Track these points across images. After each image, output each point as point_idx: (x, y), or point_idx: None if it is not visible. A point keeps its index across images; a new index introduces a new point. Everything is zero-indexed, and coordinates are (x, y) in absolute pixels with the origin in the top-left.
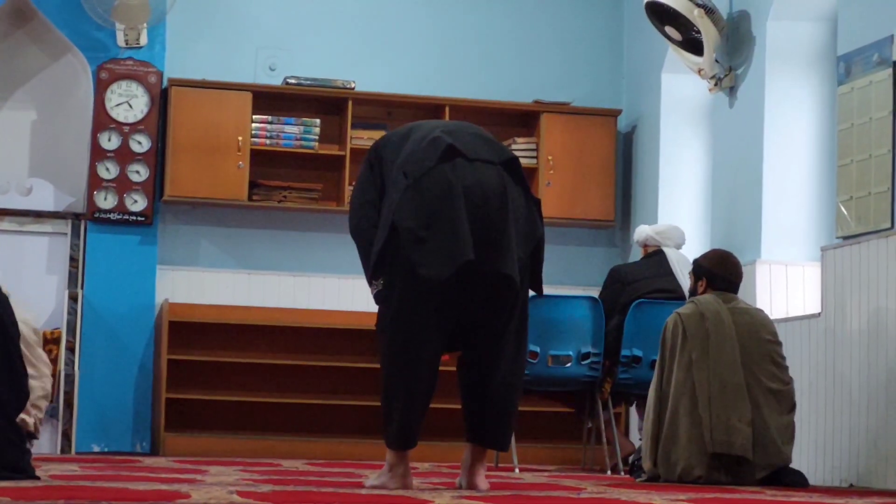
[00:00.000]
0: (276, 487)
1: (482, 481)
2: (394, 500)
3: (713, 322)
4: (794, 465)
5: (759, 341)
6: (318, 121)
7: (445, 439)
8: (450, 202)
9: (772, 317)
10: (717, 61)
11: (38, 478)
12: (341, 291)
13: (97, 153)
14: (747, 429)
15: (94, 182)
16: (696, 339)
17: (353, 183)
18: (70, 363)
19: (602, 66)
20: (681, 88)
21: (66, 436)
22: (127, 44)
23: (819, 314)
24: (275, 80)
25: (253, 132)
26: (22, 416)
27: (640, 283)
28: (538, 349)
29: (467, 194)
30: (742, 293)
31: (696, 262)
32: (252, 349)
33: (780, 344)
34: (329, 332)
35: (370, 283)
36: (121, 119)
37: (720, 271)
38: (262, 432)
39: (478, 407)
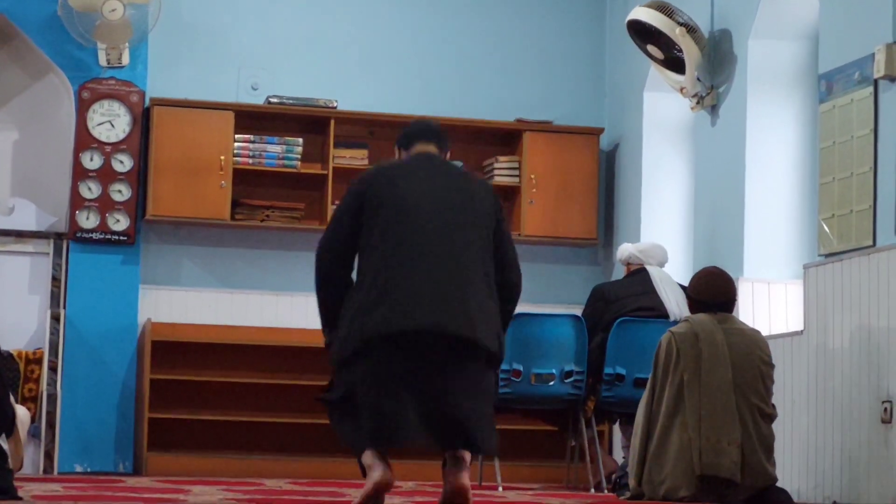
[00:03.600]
0: None
1: (464, 480)
2: None
3: (706, 343)
4: (778, 482)
5: (753, 363)
6: (300, 140)
7: (428, 458)
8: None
9: None
10: (698, 80)
11: (20, 498)
12: None
13: (79, 173)
14: (736, 451)
15: (77, 202)
16: (688, 359)
17: (336, 203)
18: (52, 383)
19: (584, 85)
20: (663, 107)
21: (49, 456)
22: (109, 63)
23: (802, 332)
24: (257, 100)
25: (235, 151)
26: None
27: (623, 301)
28: (521, 367)
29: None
30: None
31: (686, 288)
32: (235, 368)
33: (773, 367)
34: (312, 350)
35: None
36: (103, 139)
37: (705, 297)
38: (245, 451)
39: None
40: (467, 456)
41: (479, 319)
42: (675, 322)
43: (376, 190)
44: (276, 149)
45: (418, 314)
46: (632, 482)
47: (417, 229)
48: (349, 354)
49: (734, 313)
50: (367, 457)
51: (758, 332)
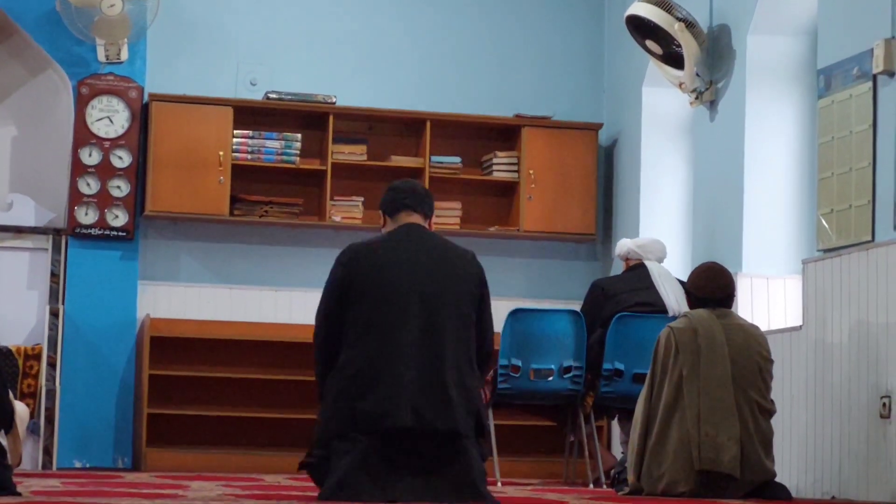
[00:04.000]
0: (258, 502)
1: None
2: None
3: (705, 338)
4: (777, 477)
5: (752, 358)
6: (299, 135)
7: None
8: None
9: None
10: (697, 75)
11: (19, 494)
12: None
13: (78, 168)
14: (735, 447)
15: (75, 197)
16: (687, 354)
17: (334, 197)
18: (51, 379)
19: (583, 80)
20: (662, 102)
21: (48, 451)
22: (108, 59)
23: (800, 327)
24: (256, 95)
25: (234, 147)
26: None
27: (622, 296)
28: (520, 363)
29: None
30: None
31: (685, 284)
32: (233, 364)
33: (771, 362)
34: (310, 346)
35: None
36: (101, 134)
37: (704, 293)
38: (243, 447)
39: None
40: None
41: (459, 405)
42: (674, 317)
43: (359, 277)
44: (274, 144)
45: (402, 411)
46: (630, 477)
47: (401, 317)
48: (332, 437)
49: (733, 309)
50: None
51: (756, 328)
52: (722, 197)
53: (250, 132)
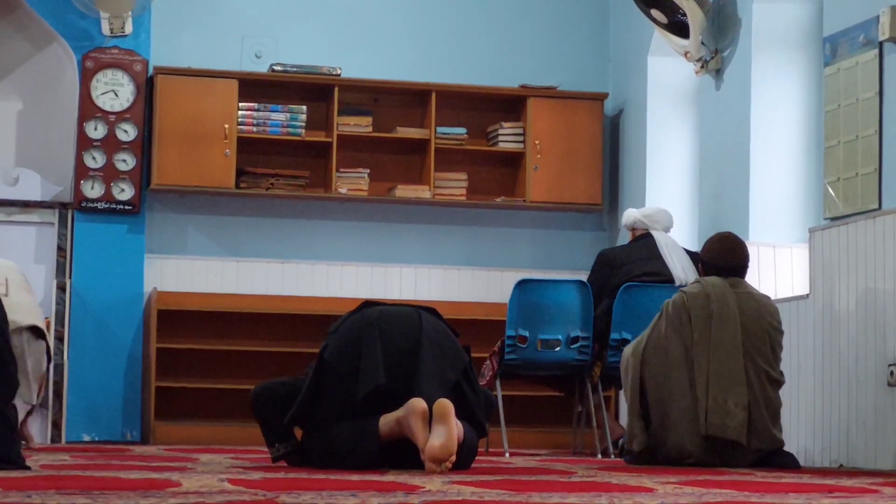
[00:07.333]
0: (266, 475)
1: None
2: (384, 486)
3: (717, 304)
4: (785, 446)
5: (762, 328)
6: (304, 108)
7: None
8: None
9: None
10: (703, 44)
11: (28, 468)
12: (329, 278)
13: (83, 142)
14: (743, 413)
15: (81, 171)
16: (699, 319)
17: (340, 169)
18: (59, 353)
19: (588, 50)
20: (667, 71)
21: (56, 425)
22: (112, 32)
23: (807, 295)
24: (261, 68)
25: (239, 120)
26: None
27: (629, 266)
28: (527, 333)
29: None
30: None
31: (699, 254)
32: (241, 337)
33: (782, 333)
34: (317, 319)
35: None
36: (107, 108)
37: (718, 262)
38: (252, 420)
39: None
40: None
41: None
42: (681, 287)
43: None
44: (280, 117)
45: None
46: (637, 438)
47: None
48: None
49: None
50: None
51: (768, 298)
52: (728, 166)
53: (255, 105)
